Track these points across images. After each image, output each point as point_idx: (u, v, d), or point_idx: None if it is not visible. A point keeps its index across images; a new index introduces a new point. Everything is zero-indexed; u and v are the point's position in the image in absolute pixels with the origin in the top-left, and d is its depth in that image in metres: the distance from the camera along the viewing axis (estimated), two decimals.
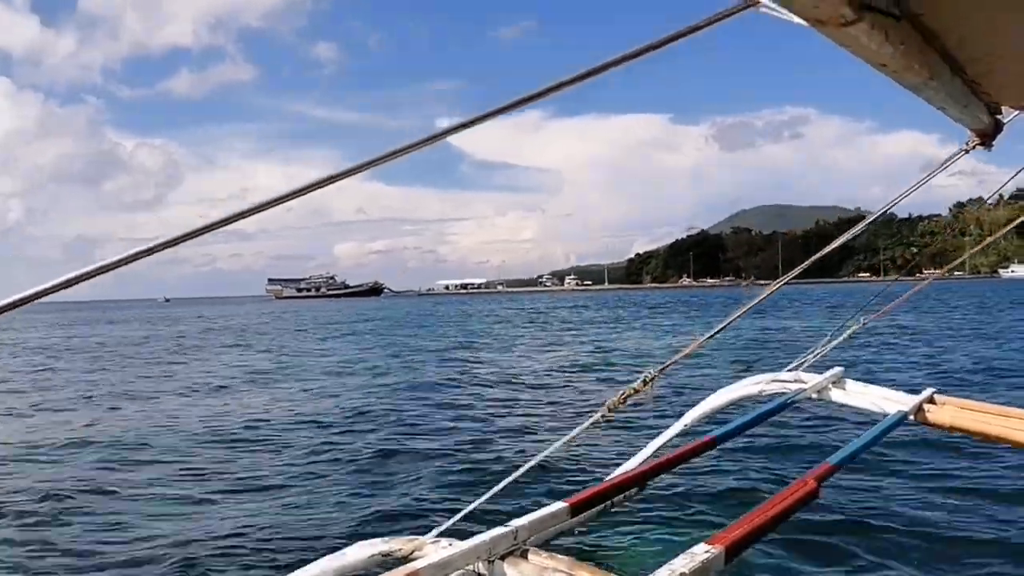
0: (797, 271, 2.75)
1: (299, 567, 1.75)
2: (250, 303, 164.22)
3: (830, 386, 2.61)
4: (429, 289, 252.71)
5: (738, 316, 2.56)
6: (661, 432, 2.49)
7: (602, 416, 2.12)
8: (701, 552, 1.52)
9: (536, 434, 11.41)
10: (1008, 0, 1.40)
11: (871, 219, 3.41)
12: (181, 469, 9.88)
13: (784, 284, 2.85)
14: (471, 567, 1.61)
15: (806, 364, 2.74)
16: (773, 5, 1.01)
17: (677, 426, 2.57)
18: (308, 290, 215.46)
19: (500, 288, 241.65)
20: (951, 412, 2.43)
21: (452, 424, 12.57)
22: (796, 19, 1.06)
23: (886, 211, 3.03)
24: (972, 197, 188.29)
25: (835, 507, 6.89)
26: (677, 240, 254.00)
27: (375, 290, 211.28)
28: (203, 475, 9.54)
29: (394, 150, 0.98)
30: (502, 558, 1.63)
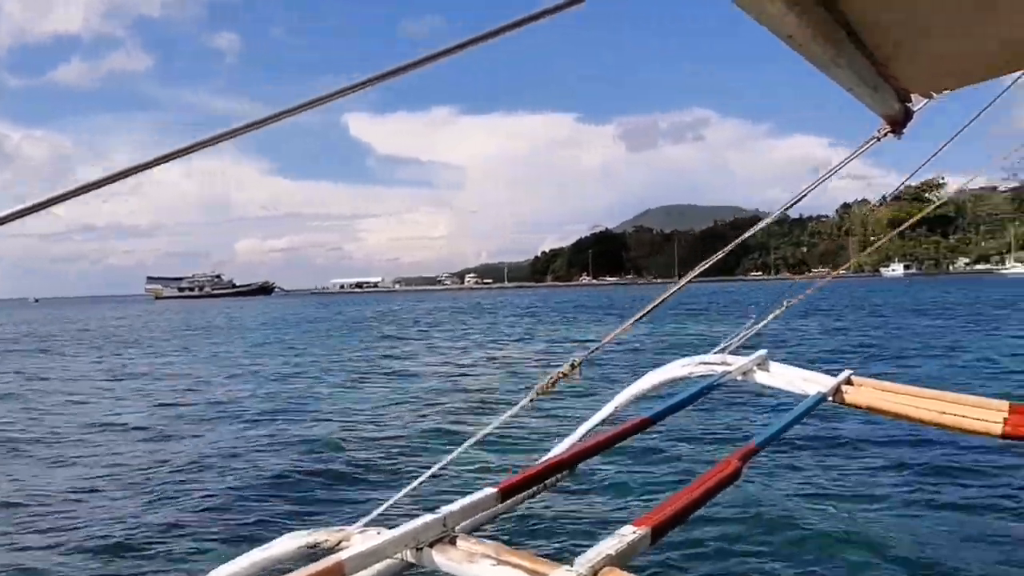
0: (696, 270, 2.82)
1: (227, 560, 1.69)
2: (130, 303, 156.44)
3: (755, 368, 2.71)
4: (323, 288, 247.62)
5: (648, 311, 2.60)
6: (591, 415, 2.51)
7: (531, 400, 2.12)
8: (628, 533, 1.55)
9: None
10: None
11: (771, 217, 3.54)
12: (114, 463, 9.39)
13: (687, 282, 2.92)
14: (399, 555, 1.58)
15: (732, 347, 2.83)
16: None
17: (607, 409, 2.60)
18: (191, 289, 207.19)
19: (397, 287, 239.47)
20: (867, 393, 2.56)
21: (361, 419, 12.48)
22: None
23: (787, 208, 3.14)
24: (858, 199, 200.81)
25: (758, 485, 7.19)
26: (581, 239, 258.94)
27: (265, 289, 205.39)
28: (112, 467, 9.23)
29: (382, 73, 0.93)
30: (430, 545, 1.61)
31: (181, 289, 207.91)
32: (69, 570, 5.90)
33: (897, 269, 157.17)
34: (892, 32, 1.66)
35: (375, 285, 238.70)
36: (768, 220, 3.32)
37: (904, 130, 2.13)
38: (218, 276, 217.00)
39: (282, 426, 12.47)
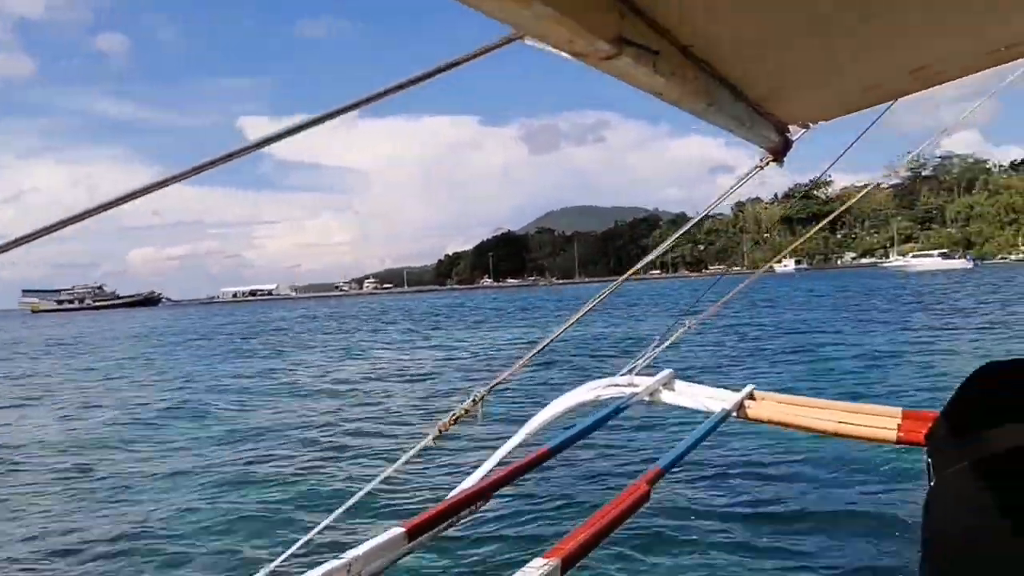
0: (631, 272, 2.88)
1: None
2: (3, 318, 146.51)
3: (661, 388, 2.79)
4: (213, 297, 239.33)
5: (569, 325, 2.63)
6: (501, 446, 2.53)
7: (432, 439, 2.11)
8: (538, 567, 1.56)
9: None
10: (779, 38, 1.55)
11: (692, 222, 3.65)
12: None
13: (621, 283, 2.97)
14: None
15: (638, 368, 2.89)
16: (533, 41, 1.05)
17: (516, 438, 2.63)
18: (71, 302, 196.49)
19: (294, 295, 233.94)
20: (769, 407, 2.68)
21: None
22: (560, 52, 1.10)
23: (705, 215, 3.25)
24: (751, 197, 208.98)
25: (667, 507, 7.35)
26: (483, 241, 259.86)
27: (151, 300, 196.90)
28: None
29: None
30: None
31: (60, 302, 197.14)
32: None
33: (789, 265, 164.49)
34: (766, 81, 1.74)
35: (270, 293, 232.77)
36: (691, 223, 3.40)
37: (784, 157, 2.24)
38: (100, 287, 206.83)
39: (146, 467, 11.22)
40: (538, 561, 1.58)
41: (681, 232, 3.16)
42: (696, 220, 2.84)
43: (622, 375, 2.84)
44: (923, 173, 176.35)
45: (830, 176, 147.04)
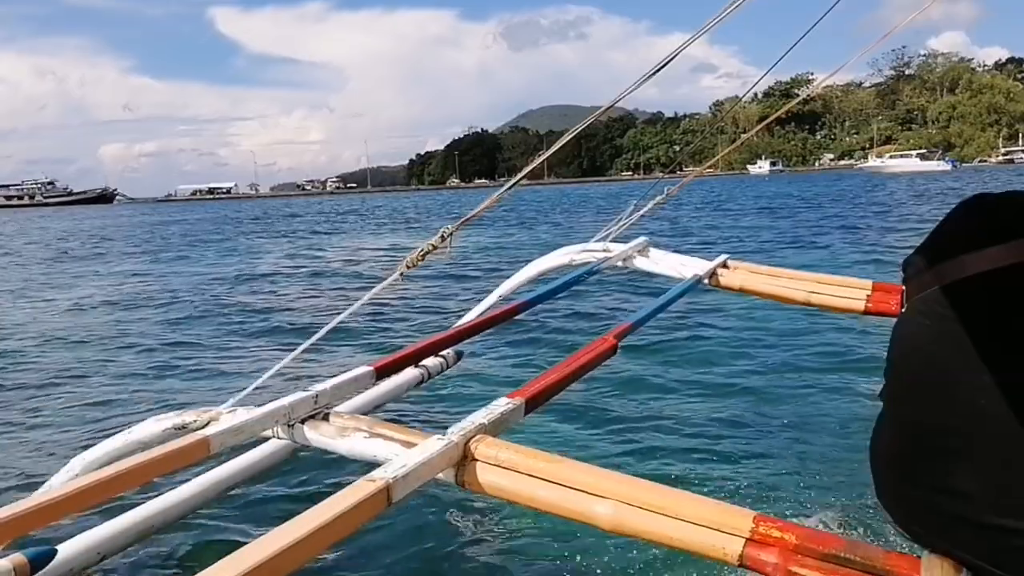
0: (524, 172, 2.82)
1: (90, 447, 1.72)
2: None
3: (635, 254, 2.91)
4: (170, 195, 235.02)
5: (484, 207, 2.57)
6: (474, 307, 2.63)
7: (401, 273, 2.18)
8: (502, 404, 1.69)
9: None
10: None
11: (597, 113, 3.57)
12: None
13: (515, 183, 2.96)
14: (268, 431, 1.67)
15: (612, 234, 2.99)
16: None
17: (491, 298, 2.76)
18: (20, 197, 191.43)
19: (253, 193, 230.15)
20: (741, 276, 2.81)
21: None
22: None
23: (612, 105, 3.17)
24: (730, 96, 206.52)
25: (632, 362, 7.65)
26: (454, 140, 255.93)
27: (105, 197, 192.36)
28: None
29: None
30: (302, 422, 1.70)
31: (8, 198, 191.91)
32: None
33: (763, 166, 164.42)
34: None
35: (228, 191, 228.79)
36: (596, 114, 3.36)
37: None
38: (51, 183, 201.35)
39: (127, 316, 12.71)
40: (502, 400, 1.71)
41: (569, 136, 3.05)
42: (617, 99, 2.78)
43: (596, 241, 2.95)
44: (906, 72, 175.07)
45: (812, 74, 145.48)
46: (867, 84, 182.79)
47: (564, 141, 3.06)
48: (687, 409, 6.45)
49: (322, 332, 2.14)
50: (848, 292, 2.61)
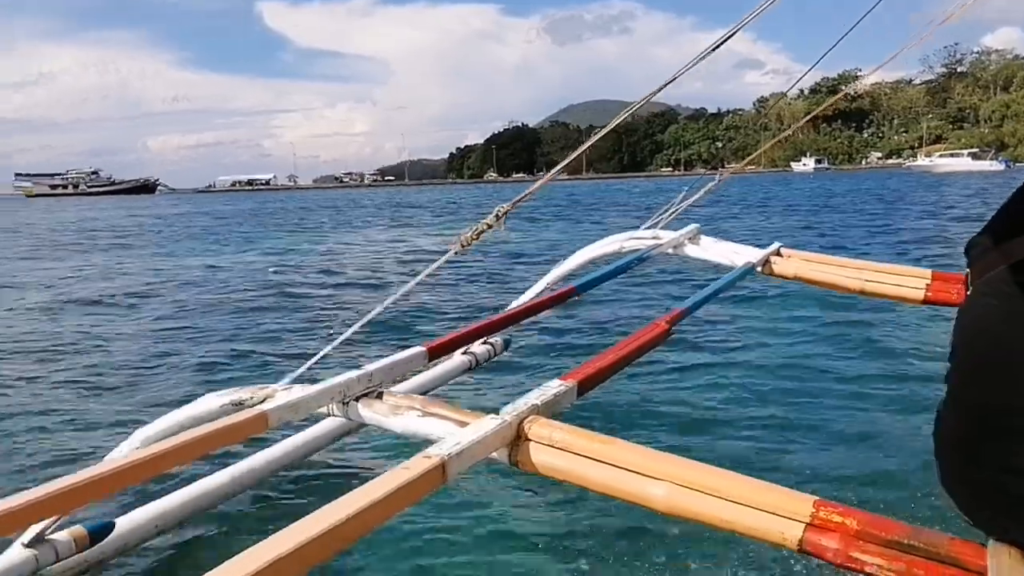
0: (560, 166, 2.81)
1: (149, 423, 1.76)
2: (5, 201, 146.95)
3: (686, 241, 2.91)
4: (210, 186, 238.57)
5: (539, 184, 2.57)
6: (523, 292, 2.65)
7: (455, 252, 2.20)
8: (555, 386, 1.70)
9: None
10: None
11: (637, 104, 3.53)
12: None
13: (551, 177, 2.95)
14: (324, 409, 1.70)
15: (662, 222, 2.99)
16: None
17: (539, 285, 2.78)
18: (64, 187, 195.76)
19: (291, 185, 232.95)
20: (795, 264, 2.79)
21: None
22: None
23: (652, 97, 3.13)
24: (775, 92, 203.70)
25: (686, 347, 7.64)
26: (493, 135, 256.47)
27: (147, 187, 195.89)
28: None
29: None
30: (357, 399, 1.72)
31: (54, 187, 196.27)
32: None
33: (808, 164, 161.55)
34: None
35: (267, 183, 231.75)
36: (636, 105, 3.32)
37: None
38: (95, 172, 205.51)
39: (187, 297, 13.19)
40: (555, 382, 1.72)
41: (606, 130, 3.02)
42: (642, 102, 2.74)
43: (646, 228, 2.95)
44: (958, 69, 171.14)
45: (860, 70, 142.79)
46: (917, 81, 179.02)
47: (605, 131, 3.07)
48: (739, 393, 6.41)
49: (375, 312, 2.17)
50: (906, 281, 2.58)
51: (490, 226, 2.15)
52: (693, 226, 2.98)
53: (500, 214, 2.15)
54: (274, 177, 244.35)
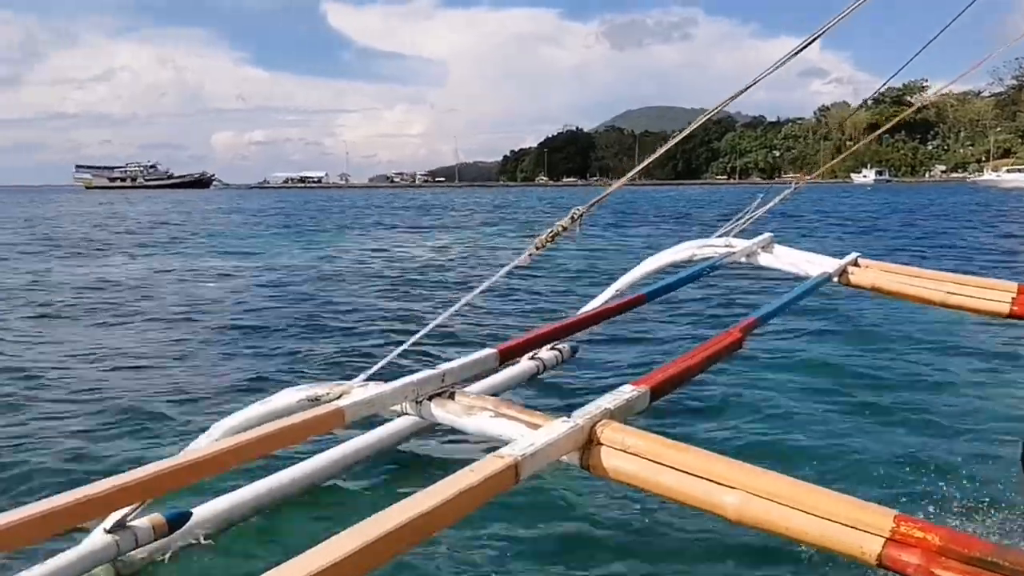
0: (631, 173, 2.81)
1: (228, 415, 1.82)
2: (61, 192, 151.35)
3: (759, 250, 2.88)
4: (263, 182, 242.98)
5: (600, 199, 2.56)
6: (594, 298, 2.66)
7: (530, 254, 2.21)
8: (627, 391, 1.70)
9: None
10: None
11: (703, 117, 3.52)
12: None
13: (624, 183, 2.95)
14: (397, 407, 1.73)
15: (734, 231, 2.97)
16: None
17: (610, 291, 2.78)
18: (123, 180, 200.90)
19: (342, 183, 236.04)
20: (873, 274, 2.75)
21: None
22: None
23: (720, 108, 3.13)
24: (837, 102, 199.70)
25: (760, 358, 7.49)
26: (547, 138, 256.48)
27: (201, 182, 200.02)
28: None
29: None
30: (430, 399, 1.75)
31: (112, 180, 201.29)
32: (52, 434, 5.95)
33: (868, 175, 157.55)
34: None
35: (319, 180, 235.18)
36: (703, 118, 3.31)
37: None
38: (153, 165, 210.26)
39: (270, 290, 13.57)
40: (627, 387, 1.73)
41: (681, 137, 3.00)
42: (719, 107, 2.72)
43: (718, 236, 2.92)
44: None
45: (926, 81, 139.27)
46: (986, 93, 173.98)
47: (680, 137, 3.05)
48: (816, 404, 6.26)
49: (449, 312, 2.19)
50: (990, 294, 2.52)
51: (565, 228, 2.16)
52: (767, 235, 2.95)
53: (575, 216, 2.16)
54: (326, 175, 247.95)
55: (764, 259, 2.88)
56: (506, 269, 2.25)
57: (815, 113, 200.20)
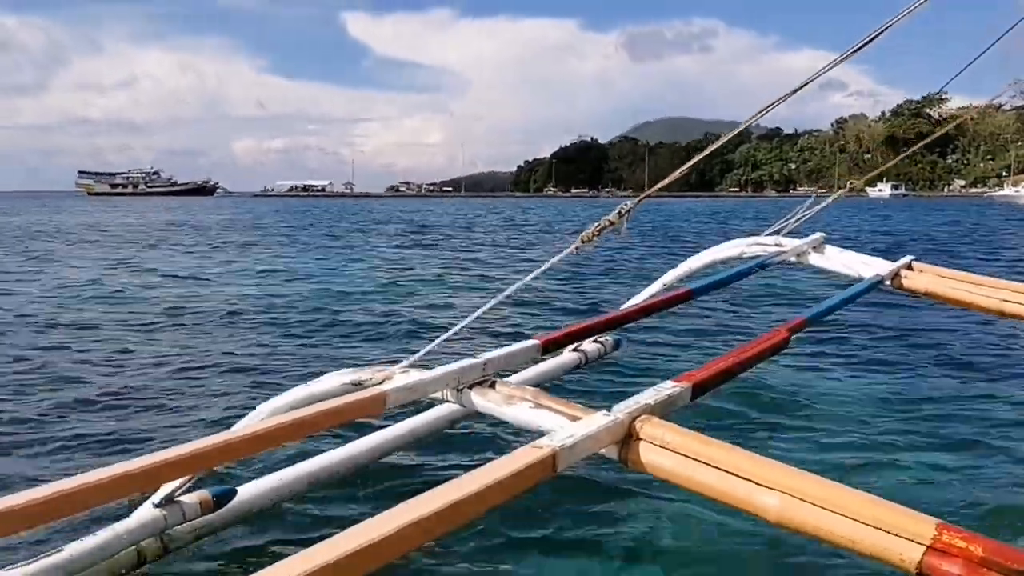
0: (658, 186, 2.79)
1: (272, 397, 1.83)
2: (62, 199, 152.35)
3: (810, 250, 2.86)
4: (267, 190, 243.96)
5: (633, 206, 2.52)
6: (640, 291, 2.66)
7: (576, 248, 2.21)
8: (668, 387, 1.70)
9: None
10: None
11: (734, 132, 3.50)
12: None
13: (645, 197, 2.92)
14: (439, 393, 1.75)
15: (785, 230, 2.96)
16: None
17: (656, 285, 2.77)
18: (125, 186, 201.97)
19: (346, 191, 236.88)
20: (927, 279, 2.71)
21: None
22: None
23: (751, 123, 3.11)
24: (854, 114, 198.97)
25: (805, 359, 7.43)
26: (560, 148, 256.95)
27: (205, 189, 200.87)
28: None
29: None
30: (470, 387, 1.76)
31: (114, 186, 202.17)
32: (95, 419, 5.99)
33: (884, 189, 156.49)
34: None
35: (322, 189, 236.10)
36: (733, 132, 3.30)
37: None
38: (155, 172, 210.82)
39: (313, 284, 13.89)
40: (669, 383, 1.72)
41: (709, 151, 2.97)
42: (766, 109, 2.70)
43: (768, 235, 2.91)
44: None
45: (945, 94, 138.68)
46: (1008, 107, 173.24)
47: (711, 150, 3.04)
48: (861, 407, 6.17)
49: (494, 302, 2.19)
50: None
51: (612, 223, 2.16)
52: (819, 234, 2.92)
53: (623, 211, 2.16)
54: (330, 184, 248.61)
55: (814, 259, 2.86)
56: (551, 263, 2.22)
57: (832, 125, 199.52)
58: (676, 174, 2.35)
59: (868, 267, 2.76)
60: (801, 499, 1.48)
